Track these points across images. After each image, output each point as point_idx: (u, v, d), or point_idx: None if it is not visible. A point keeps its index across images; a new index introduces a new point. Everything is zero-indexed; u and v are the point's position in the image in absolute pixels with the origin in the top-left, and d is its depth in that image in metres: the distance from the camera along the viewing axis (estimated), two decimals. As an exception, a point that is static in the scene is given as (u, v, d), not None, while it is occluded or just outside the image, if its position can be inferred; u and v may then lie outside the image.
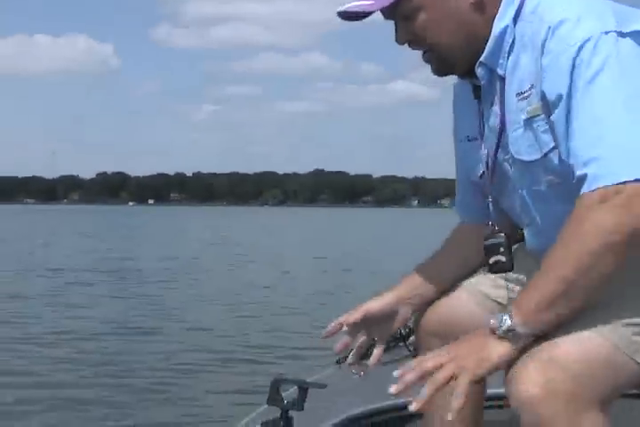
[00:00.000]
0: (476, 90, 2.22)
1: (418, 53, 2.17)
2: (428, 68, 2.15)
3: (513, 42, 2.08)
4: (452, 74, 2.21)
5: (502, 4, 2.10)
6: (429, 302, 2.41)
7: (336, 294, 16.12)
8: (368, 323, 2.38)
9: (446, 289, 2.42)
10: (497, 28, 2.09)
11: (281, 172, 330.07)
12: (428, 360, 1.89)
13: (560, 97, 1.90)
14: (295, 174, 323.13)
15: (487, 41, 2.09)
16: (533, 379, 1.75)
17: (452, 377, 1.83)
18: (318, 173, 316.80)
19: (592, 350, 1.80)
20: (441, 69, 2.17)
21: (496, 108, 2.16)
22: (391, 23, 2.14)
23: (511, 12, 2.08)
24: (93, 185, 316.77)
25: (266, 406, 2.25)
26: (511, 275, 2.36)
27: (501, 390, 1.84)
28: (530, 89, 2.02)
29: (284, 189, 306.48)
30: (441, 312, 2.40)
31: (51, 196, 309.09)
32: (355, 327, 2.37)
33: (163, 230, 53.73)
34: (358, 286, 16.95)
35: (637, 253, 1.82)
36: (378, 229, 60.74)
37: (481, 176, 2.30)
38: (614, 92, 1.86)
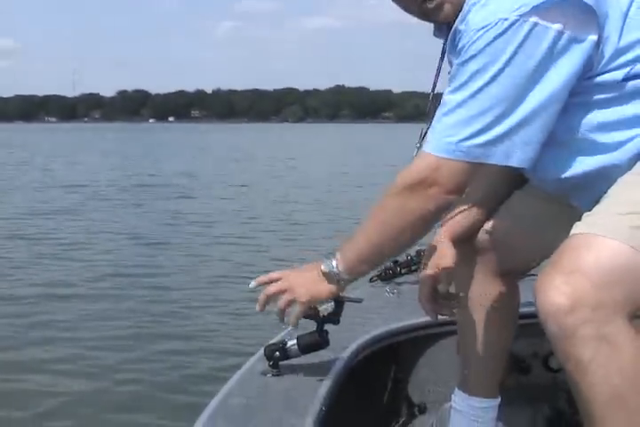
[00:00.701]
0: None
1: None
2: None
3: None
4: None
5: None
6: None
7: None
8: None
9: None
10: None
11: (301, 88, 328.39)
12: (271, 286, 2.23)
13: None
14: (315, 90, 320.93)
15: None
16: (559, 289, 1.76)
17: (288, 303, 2.19)
18: (339, 89, 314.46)
19: (614, 257, 1.80)
20: (455, 9, 2.10)
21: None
22: None
23: None
24: (114, 103, 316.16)
25: (302, 319, 2.26)
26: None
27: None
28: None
29: (305, 105, 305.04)
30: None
31: (72, 114, 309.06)
32: None
33: (182, 147, 53.64)
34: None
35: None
36: (396, 145, 60.48)
37: None
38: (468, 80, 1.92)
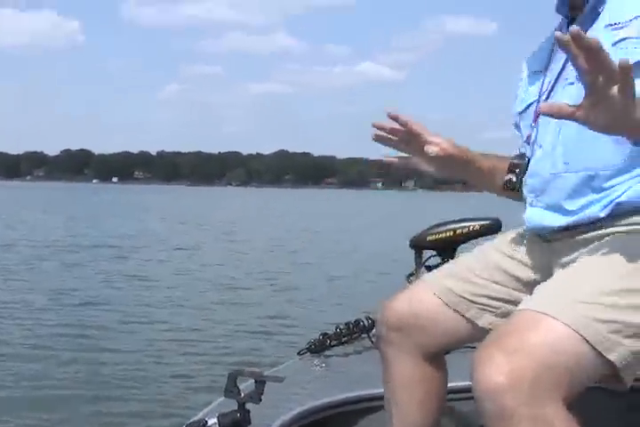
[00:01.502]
0: (571, 22, 2.28)
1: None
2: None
3: None
4: None
5: None
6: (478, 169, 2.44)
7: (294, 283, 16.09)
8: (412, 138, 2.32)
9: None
10: None
11: (245, 152, 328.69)
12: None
13: None
14: (259, 155, 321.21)
15: None
16: (499, 367, 1.73)
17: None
18: (282, 154, 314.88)
19: (562, 342, 1.77)
20: None
21: None
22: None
23: None
24: (58, 162, 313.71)
25: (223, 398, 2.26)
26: (479, 268, 2.38)
27: (468, 383, 1.81)
28: (631, 20, 2.07)
29: (249, 169, 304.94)
30: (403, 306, 2.39)
31: (15, 172, 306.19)
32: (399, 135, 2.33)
33: (124, 208, 53.42)
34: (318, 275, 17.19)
35: None
36: (338, 211, 60.60)
37: (526, 108, 2.39)
38: None
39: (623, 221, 2.09)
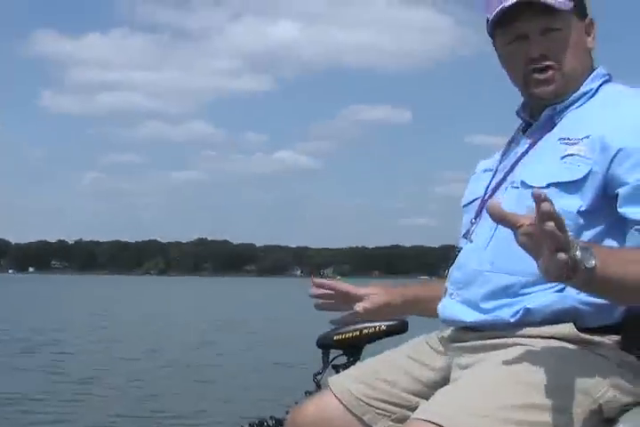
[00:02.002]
0: (526, 127, 2.42)
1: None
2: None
3: (587, 99, 2.30)
4: (559, 102, 2.30)
5: (594, 71, 2.34)
6: (413, 304, 2.58)
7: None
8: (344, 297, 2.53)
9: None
10: (585, 87, 2.31)
11: (164, 240, 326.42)
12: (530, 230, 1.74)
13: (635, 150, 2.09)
14: (178, 243, 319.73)
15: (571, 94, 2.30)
16: None
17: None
18: (201, 242, 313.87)
19: None
20: (559, 91, 2.29)
21: (529, 141, 2.34)
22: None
23: (598, 82, 2.33)
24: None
25: None
26: (383, 373, 2.43)
27: None
28: (582, 139, 2.16)
29: (167, 257, 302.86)
30: (309, 413, 2.43)
31: None
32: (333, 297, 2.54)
33: (38, 300, 52.43)
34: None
35: None
36: (256, 300, 60.18)
37: (471, 203, 2.48)
38: None
39: (531, 331, 2.12)
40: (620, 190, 2.09)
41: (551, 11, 2.22)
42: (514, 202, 2.13)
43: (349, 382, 2.42)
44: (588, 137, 2.16)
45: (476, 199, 2.44)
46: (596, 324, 2.10)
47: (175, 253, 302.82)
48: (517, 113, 2.47)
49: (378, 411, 2.36)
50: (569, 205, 2.08)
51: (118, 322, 32.00)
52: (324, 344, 3.21)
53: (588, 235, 2.09)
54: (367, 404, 2.36)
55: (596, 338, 2.08)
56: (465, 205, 2.52)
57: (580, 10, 2.29)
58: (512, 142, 2.47)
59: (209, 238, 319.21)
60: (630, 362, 2.07)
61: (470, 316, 2.23)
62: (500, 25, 2.31)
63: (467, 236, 2.37)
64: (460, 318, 2.27)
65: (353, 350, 3.18)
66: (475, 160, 2.70)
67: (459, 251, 2.41)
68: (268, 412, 3.30)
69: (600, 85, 2.33)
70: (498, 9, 2.26)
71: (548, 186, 2.11)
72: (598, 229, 2.12)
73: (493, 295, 2.17)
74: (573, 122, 2.26)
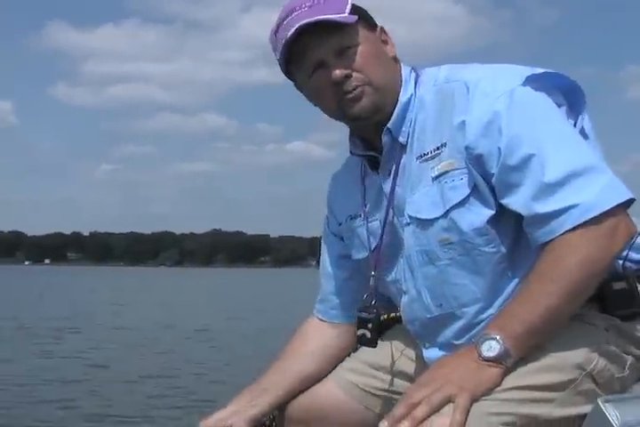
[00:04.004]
0: (373, 162, 2.27)
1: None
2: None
3: (417, 108, 2.17)
4: (375, 118, 2.17)
5: (403, 76, 2.22)
6: (274, 407, 2.42)
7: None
8: None
9: (296, 389, 2.43)
10: (403, 96, 2.18)
11: (178, 232, 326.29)
12: (414, 393, 1.83)
13: (498, 149, 1.97)
14: (192, 234, 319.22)
15: (394, 108, 2.17)
16: None
17: (449, 399, 1.79)
18: (216, 233, 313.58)
19: None
20: (376, 104, 2.14)
21: (388, 173, 2.20)
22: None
23: (412, 84, 2.20)
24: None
25: None
26: (380, 363, 2.42)
27: None
28: (439, 148, 2.07)
29: (182, 249, 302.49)
30: (305, 401, 2.41)
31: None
32: None
33: (56, 291, 52.61)
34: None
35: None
36: (272, 292, 59.80)
37: (372, 250, 2.30)
38: (553, 133, 1.99)
39: None
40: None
41: (338, 30, 2.10)
42: (415, 236, 2.14)
43: (349, 374, 2.43)
44: (444, 145, 2.07)
45: (374, 249, 2.30)
46: None
47: (190, 244, 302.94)
48: (351, 152, 2.34)
49: (384, 400, 2.40)
50: (476, 221, 2.03)
51: (133, 313, 31.96)
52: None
53: (508, 238, 2.06)
54: (373, 394, 2.41)
55: (581, 310, 2.04)
56: (360, 260, 2.38)
57: (366, 21, 2.19)
58: (364, 183, 2.34)
59: (223, 229, 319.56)
60: (615, 324, 2.07)
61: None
62: (292, 61, 2.17)
63: (374, 292, 2.31)
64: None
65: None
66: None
67: (376, 313, 2.33)
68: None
69: (415, 85, 2.22)
70: (282, 44, 2.11)
71: (447, 213, 2.06)
72: (513, 226, 2.05)
73: (463, 332, 2.15)
74: (420, 134, 2.16)
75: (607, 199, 1.89)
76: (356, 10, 2.15)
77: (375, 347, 2.36)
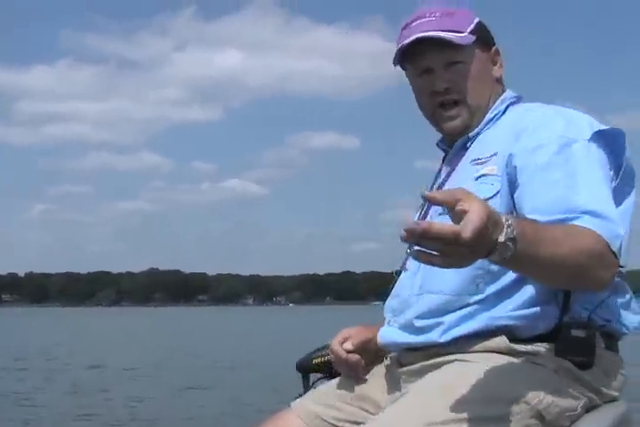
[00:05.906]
0: (445, 156, 2.47)
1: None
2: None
3: (494, 122, 2.34)
4: (463, 135, 2.37)
5: (502, 97, 2.39)
6: None
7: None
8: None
9: None
10: (491, 113, 2.35)
11: (115, 271, 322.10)
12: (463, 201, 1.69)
13: (535, 164, 2.12)
14: (129, 273, 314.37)
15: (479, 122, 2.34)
16: None
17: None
18: (153, 272, 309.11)
19: None
20: (466, 124, 2.34)
21: (448, 169, 2.40)
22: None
23: (504, 106, 2.38)
24: None
25: None
26: (344, 394, 2.47)
27: None
28: (490, 156, 2.22)
29: (119, 288, 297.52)
30: None
31: None
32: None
33: None
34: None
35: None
36: (206, 330, 59.13)
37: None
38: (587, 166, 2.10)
39: (466, 347, 2.17)
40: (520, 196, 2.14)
41: (454, 45, 2.28)
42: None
43: (313, 405, 2.46)
44: (495, 154, 2.21)
45: None
46: (529, 334, 2.14)
47: (126, 283, 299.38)
48: (437, 144, 2.52)
49: None
50: None
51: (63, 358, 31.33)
52: (304, 368, 3.02)
53: None
54: (334, 425, 2.42)
55: (530, 348, 2.10)
56: None
57: (483, 41, 2.36)
58: (437, 173, 2.51)
59: (160, 268, 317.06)
60: (566, 367, 2.09)
61: (407, 338, 2.27)
62: (407, 59, 2.38)
63: (403, 266, 2.27)
64: (396, 341, 2.32)
65: (333, 372, 2.91)
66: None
67: (395, 281, 2.42)
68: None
69: (507, 107, 2.38)
70: (400, 46, 2.32)
71: None
72: None
73: (424, 316, 2.21)
74: (482, 143, 2.31)
75: (617, 243, 1.99)
76: (478, 28, 2.37)
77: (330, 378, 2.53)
